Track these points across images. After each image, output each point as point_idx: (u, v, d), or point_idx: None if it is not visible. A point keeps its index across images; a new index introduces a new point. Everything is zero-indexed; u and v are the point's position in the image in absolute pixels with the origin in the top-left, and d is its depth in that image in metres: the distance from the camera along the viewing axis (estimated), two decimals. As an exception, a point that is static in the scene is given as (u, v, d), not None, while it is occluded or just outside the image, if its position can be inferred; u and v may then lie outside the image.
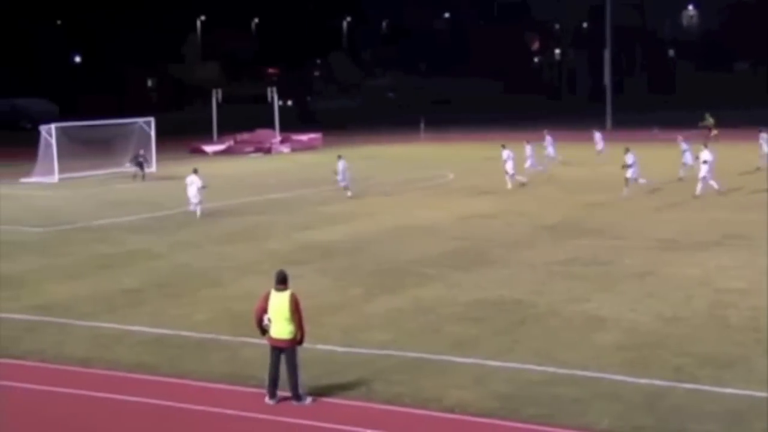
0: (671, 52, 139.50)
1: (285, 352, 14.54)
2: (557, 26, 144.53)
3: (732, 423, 13.59)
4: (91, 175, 49.23)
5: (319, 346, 17.48)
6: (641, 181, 37.31)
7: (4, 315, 20.45)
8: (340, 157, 39.97)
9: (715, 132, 57.77)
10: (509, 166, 40.09)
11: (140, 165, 48.03)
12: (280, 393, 14.70)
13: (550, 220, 31.78)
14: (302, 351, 16.91)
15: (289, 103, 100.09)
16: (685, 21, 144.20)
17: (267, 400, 14.69)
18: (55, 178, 47.87)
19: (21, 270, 25.42)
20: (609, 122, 78.80)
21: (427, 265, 24.76)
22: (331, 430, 13.71)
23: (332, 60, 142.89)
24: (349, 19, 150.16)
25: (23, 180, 48.01)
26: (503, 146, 40.53)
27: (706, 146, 37.55)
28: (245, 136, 69.28)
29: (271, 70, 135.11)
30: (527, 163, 43.79)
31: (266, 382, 14.71)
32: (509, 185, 39.93)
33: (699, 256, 25.13)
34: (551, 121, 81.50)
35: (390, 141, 71.60)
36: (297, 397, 14.48)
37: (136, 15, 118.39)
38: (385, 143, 70.26)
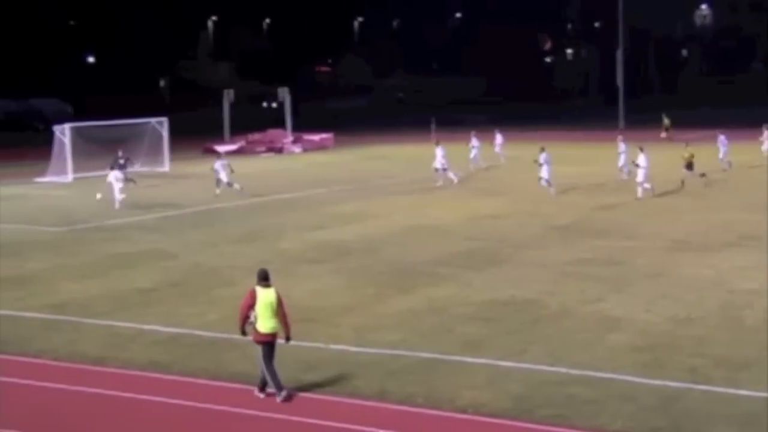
0: (684, 52, 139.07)
1: (270, 345, 14.82)
2: (569, 26, 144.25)
3: (747, 425, 13.53)
4: (105, 174, 49.28)
5: (332, 346, 17.50)
6: (646, 185, 36.74)
7: (18, 313, 20.53)
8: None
9: (663, 134, 57.97)
10: (544, 171, 38.01)
11: (122, 167, 42.27)
12: (272, 391, 14.72)
13: (563, 221, 31.73)
14: (316, 351, 16.98)
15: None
16: (698, 21, 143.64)
17: (264, 395, 14.91)
18: (69, 177, 48.02)
19: (35, 269, 25.51)
20: (622, 122, 78.70)
21: (439, 265, 24.75)
22: (345, 430, 13.71)
23: (343, 60, 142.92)
24: (360, 18, 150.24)
25: (37, 179, 48.18)
26: (542, 149, 38.48)
27: (641, 150, 37.29)
28: (257, 136, 69.39)
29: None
30: (471, 154, 46.79)
31: (261, 379, 14.85)
32: (553, 194, 37.40)
33: (713, 257, 25.05)
34: (563, 122, 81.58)
35: (401, 141, 71.60)
36: (279, 387, 14.73)
37: (149, 15, 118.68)
38: (396, 143, 70.27)
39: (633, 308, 19.81)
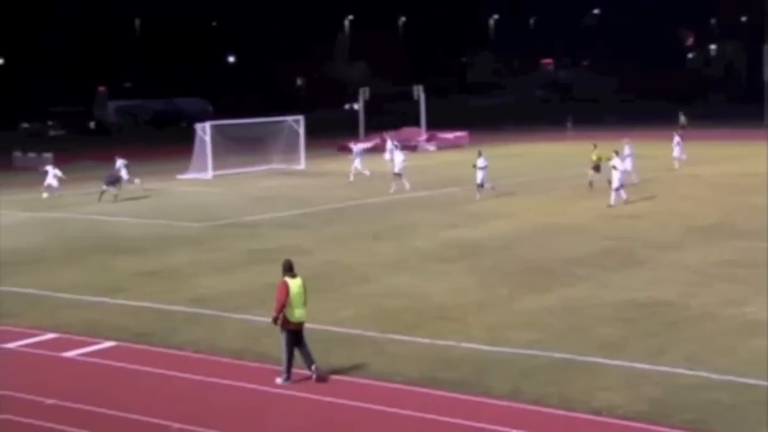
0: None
1: (298, 333, 15.55)
2: (713, 21, 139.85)
3: None
4: (243, 172, 50.51)
5: (464, 345, 17.46)
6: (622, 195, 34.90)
7: (163, 306, 21.23)
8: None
9: (679, 133, 55.16)
10: (479, 175, 37.64)
11: (114, 183, 40.85)
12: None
13: (704, 221, 30.82)
14: (449, 349, 16.97)
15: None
16: None
17: (281, 381, 15.54)
18: (209, 174, 49.34)
19: (177, 263, 26.32)
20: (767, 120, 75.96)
21: (574, 265, 24.39)
22: (477, 429, 13.66)
23: (479, 57, 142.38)
24: (497, 16, 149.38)
25: (179, 176, 49.67)
26: (480, 153, 38.20)
27: (617, 153, 35.76)
28: (391, 134, 69.74)
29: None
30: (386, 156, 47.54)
31: (285, 365, 15.51)
32: (478, 197, 37.37)
33: None
34: (702, 119, 79.08)
35: (537, 139, 70.87)
36: (311, 362, 15.56)
37: (286, 15, 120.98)
38: (532, 141, 69.60)
39: (778, 312, 19.08)
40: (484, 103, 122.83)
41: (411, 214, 34.55)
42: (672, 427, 13.43)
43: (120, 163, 43.70)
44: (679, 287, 21.58)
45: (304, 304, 15.59)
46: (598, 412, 14.03)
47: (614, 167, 34.69)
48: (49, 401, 15.04)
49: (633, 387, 15.04)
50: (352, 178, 45.05)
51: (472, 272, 23.96)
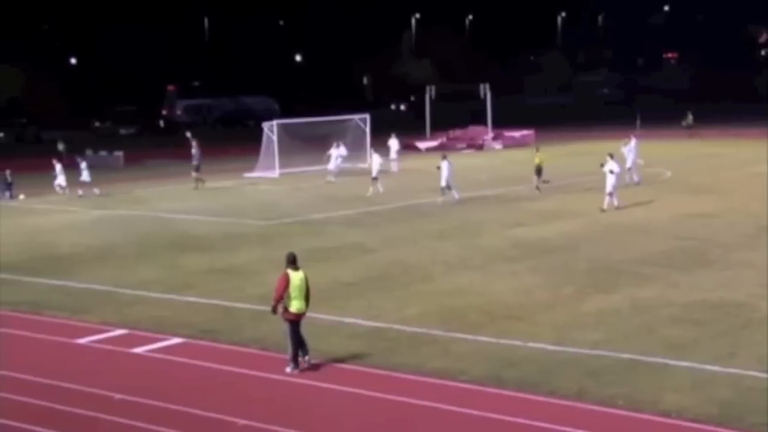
0: None
1: (297, 324, 16.17)
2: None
3: None
4: (309, 170, 50.79)
5: (531, 344, 17.34)
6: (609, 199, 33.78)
7: (229, 303, 21.45)
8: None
9: (687, 132, 53.47)
10: (443, 178, 36.48)
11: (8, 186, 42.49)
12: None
13: (776, 221, 30.17)
14: (515, 348, 16.88)
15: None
16: None
17: (290, 369, 16.15)
18: (276, 173, 49.69)
19: (244, 261, 26.56)
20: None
21: (642, 265, 24.07)
22: (542, 429, 13.57)
23: (545, 56, 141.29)
24: (563, 14, 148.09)
25: (246, 174, 50.12)
26: (444, 156, 37.59)
27: (611, 156, 34.55)
28: (458, 132, 69.65)
29: (670, 55, 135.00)
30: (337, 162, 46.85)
31: (291, 354, 16.18)
32: (439, 202, 36.38)
33: None
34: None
35: (603, 137, 70.03)
36: (305, 352, 16.32)
37: (353, 14, 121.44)
38: (597, 140, 68.78)
39: None
40: (550, 101, 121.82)
41: (477, 213, 34.42)
42: (743, 430, 13.18)
43: (60, 166, 43.74)
44: (750, 288, 21.17)
45: (305, 297, 16.23)
46: (666, 414, 13.83)
47: (611, 171, 33.44)
48: (118, 396, 15.29)
49: (702, 389, 14.79)
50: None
51: (539, 271, 23.78)
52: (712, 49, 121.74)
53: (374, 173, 41.42)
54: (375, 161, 42.21)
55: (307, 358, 16.32)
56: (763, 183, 38.91)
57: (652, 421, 13.70)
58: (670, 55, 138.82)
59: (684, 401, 14.24)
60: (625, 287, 21.73)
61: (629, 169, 40.55)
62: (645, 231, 29.34)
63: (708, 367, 15.79)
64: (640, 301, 20.41)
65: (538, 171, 39.56)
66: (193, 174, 44.83)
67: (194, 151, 45.27)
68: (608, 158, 34.58)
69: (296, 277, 16.13)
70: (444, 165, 36.91)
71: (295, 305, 16.11)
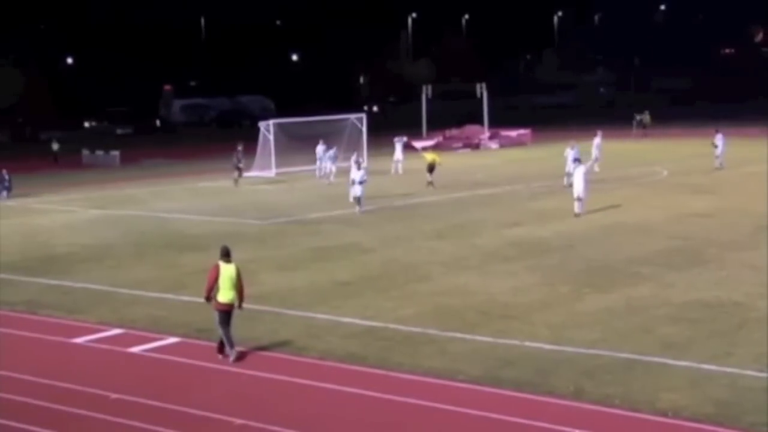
0: None
1: (227, 313, 16.84)
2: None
3: None
4: (306, 170, 50.74)
5: (527, 344, 17.34)
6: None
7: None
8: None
9: (639, 131, 53.38)
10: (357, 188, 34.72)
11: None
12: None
13: (773, 220, 30.19)
14: (512, 348, 16.90)
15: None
16: None
17: (222, 357, 16.91)
18: (273, 172, 49.62)
19: (242, 260, 26.23)
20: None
21: (639, 264, 24.07)
22: (540, 428, 13.55)
23: (543, 56, 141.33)
24: (560, 13, 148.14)
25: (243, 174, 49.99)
26: (359, 163, 36.66)
27: (579, 161, 34.43)
28: (454, 131, 69.67)
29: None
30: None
31: (219, 342, 16.99)
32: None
33: None
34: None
35: (604, 137, 69.98)
36: (231, 346, 16.90)
37: (350, 13, 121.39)
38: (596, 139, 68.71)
39: None
40: (548, 101, 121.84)
41: (474, 212, 34.41)
42: (740, 429, 13.17)
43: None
44: (747, 287, 21.17)
45: (234, 288, 16.84)
46: (663, 414, 13.82)
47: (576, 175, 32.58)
48: (114, 396, 15.27)
49: (699, 388, 14.78)
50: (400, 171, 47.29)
51: (536, 271, 23.77)
52: (711, 49, 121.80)
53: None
54: (398, 151, 45.39)
55: (233, 351, 16.89)
56: (761, 182, 38.96)
57: (649, 420, 13.70)
58: (669, 55, 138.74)
59: (681, 400, 14.23)
60: (621, 287, 21.73)
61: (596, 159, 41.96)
62: (642, 230, 29.35)
63: (705, 366, 15.78)
64: (636, 300, 20.41)
65: (431, 169, 41.04)
66: (235, 174, 45.65)
67: (239, 154, 46.30)
68: (578, 164, 34.00)
69: (226, 269, 16.86)
70: (359, 174, 34.92)
71: (223, 296, 16.81)
